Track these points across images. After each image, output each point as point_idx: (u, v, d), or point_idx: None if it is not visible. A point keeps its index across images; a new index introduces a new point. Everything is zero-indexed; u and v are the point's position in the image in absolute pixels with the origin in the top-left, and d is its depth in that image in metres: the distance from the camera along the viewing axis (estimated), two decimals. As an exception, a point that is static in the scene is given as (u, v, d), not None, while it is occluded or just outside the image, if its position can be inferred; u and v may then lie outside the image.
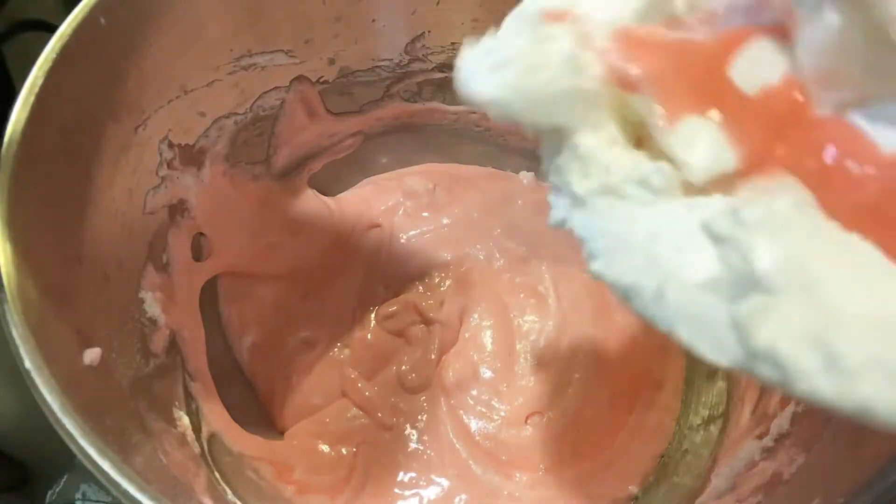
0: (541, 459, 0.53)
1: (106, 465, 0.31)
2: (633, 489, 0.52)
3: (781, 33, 0.26)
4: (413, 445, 0.54)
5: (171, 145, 0.49)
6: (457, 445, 0.53)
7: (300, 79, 0.57)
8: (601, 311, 0.59)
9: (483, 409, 0.55)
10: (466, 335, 0.59)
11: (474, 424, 0.54)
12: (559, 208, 0.27)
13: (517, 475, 0.52)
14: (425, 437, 0.54)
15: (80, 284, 0.40)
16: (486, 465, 0.52)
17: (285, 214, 0.61)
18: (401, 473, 0.52)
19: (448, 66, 0.61)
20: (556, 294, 0.60)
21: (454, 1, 0.57)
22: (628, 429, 0.54)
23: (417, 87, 0.62)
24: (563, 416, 0.54)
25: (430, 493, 0.52)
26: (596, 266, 0.25)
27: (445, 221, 0.64)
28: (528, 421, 0.54)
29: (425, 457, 0.53)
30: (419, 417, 0.55)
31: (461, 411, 0.55)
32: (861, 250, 0.22)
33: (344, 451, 0.53)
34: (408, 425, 0.54)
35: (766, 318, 0.20)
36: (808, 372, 0.20)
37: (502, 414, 0.55)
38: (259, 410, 0.55)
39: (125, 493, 0.31)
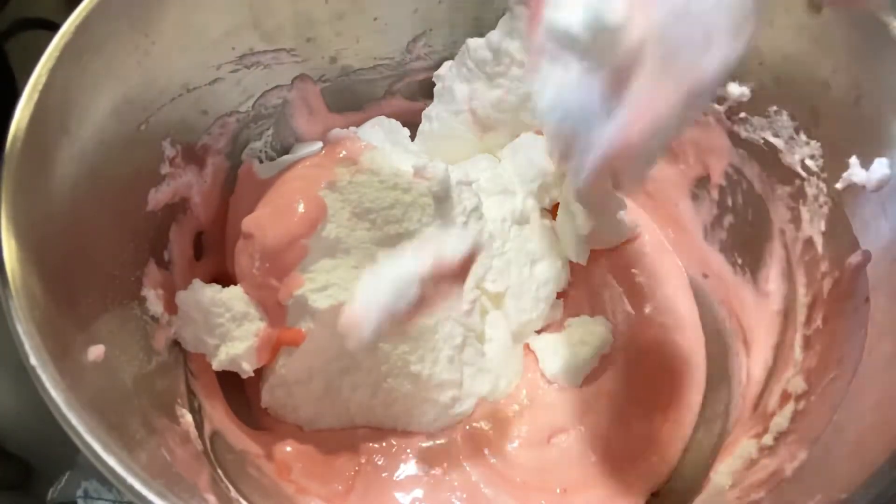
0: (561, 481, 0.49)
1: (111, 461, 0.31)
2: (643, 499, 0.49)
3: None
4: (419, 465, 0.50)
5: (173, 143, 0.49)
6: (467, 468, 0.49)
7: (302, 77, 0.57)
8: (634, 308, 0.56)
9: (502, 429, 0.51)
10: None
11: (488, 445, 0.50)
12: None
13: (533, 498, 0.48)
14: (433, 457, 0.50)
15: (84, 281, 0.40)
16: (499, 488, 0.49)
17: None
18: (402, 494, 0.49)
19: (449, 65, 0.61)
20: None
21: (456, -1, 0.57)
22: (664, 436, 0.50)
23: (419, 85, 0.62)
24: (592, 432, 0.50)
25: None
26: None
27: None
28: (552, 440, 0.51)
29: (432, 480, 0.49)
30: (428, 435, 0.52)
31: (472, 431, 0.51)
32: None
33: (344, 464, 0.50)
34: (415, 442, 0.51)
35: None
36: None
37: (523, 433, 0.51)
38: (260, 410, 0.55)
39: (130, 489, 0.31)
